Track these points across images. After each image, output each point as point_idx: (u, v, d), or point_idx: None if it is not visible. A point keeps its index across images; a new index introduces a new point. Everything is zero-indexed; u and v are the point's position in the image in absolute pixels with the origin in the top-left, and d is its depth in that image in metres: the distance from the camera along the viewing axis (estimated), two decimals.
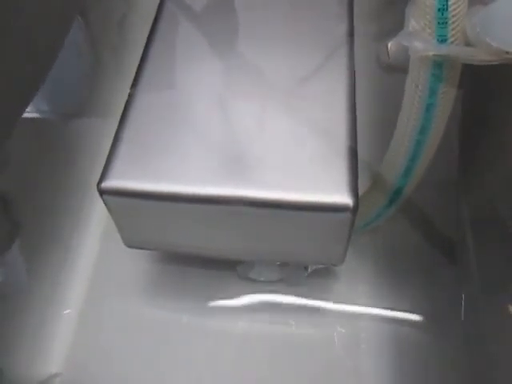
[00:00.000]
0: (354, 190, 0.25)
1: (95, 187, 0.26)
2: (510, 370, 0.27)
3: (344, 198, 0.25)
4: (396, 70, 0.29)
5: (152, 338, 0.35)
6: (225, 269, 0.36)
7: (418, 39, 0.24)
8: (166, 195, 0.26)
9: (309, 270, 0.35)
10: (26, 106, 0.37)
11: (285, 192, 0.25)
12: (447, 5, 0.22)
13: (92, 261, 0.38)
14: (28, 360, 0.34)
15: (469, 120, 0.35)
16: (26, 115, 0.37)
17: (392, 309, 0.35)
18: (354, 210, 0.25)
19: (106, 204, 0.27)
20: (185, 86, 0.30)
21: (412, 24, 0.24)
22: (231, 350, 0.34)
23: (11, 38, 0.34)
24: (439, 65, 0.24)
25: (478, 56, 0.23)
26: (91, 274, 0.38)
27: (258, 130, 0.28)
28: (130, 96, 0.29)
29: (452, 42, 0.23)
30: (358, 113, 0.28)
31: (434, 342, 0.34)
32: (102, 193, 0.26)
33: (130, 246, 0.31)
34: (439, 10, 0.23)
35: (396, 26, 0.26)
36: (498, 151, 0.31)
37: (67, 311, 0.36)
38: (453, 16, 0.23)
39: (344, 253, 0.29)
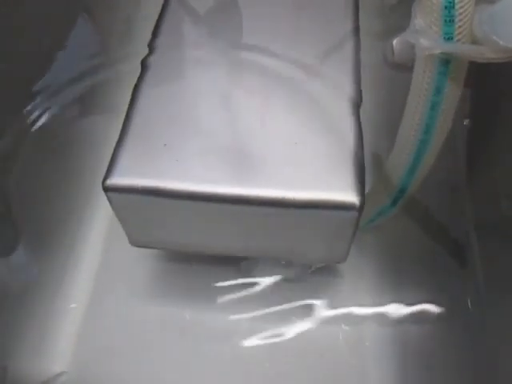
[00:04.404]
0: (361, 188, 0.25)
1: (100, 185, 0.26)
2: None
3: (350, 196, 0.25)
4: (401, 67, 0.29)
5: (156, 335, 0.35)
6: (228, 266, 0.36)
7: (424, 37, 0.24)
8: (170, 193, 0.26)
9: (312, 267, 0.35)
10: (27, 102, 0.37)
11: (290, 190, 0.25)
12: (454, 2, 0.22)
13: (97, 258, 0.38)
14: (33, 358, 0.34)
15: (476, 119, 0.35)
16: (30, 113, 0.37)
17: (396, 307, 0.35)
18: (360, 208, 0.25)
19: (110, 201, 0.27)
20: (189, 82, 0.30)
21: (418, 22, 0.24)
22: (234, 348, 0.34)
23: (11, 36, 0.34)
24: (445, 63, 0.24)
25: (485, 54, 0.23)
26: (96, 272, 0.38)
27: (263, 128, 0.28)
28: (135, 93, 0.29)
29: (458, 40, 0.23)
30: (363, 111, 0.28)
31: (438, 341, 0.34)
32: (107, 190, 0.26)
33: (134, 245, 0.31)
34: (446, 7, 0.22)
35: (402, 23, 0.26)
36: (505, 151, 0.31)
37: (73, 306, 0.36)
38: (459, 14, 0.22)
39: (348, 251, 0.29)
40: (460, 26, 0.23)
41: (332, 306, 0.35)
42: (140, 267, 0.37)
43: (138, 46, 0.33)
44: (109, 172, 0.26)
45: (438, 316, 0.34)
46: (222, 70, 0.30)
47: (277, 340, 0.34)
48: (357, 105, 0.28)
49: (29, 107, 0.38)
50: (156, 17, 0.33)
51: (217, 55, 0.31)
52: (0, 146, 0.35)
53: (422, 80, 0.25)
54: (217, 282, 0.36)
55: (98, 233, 0.39)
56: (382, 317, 0.35)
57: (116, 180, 0.26)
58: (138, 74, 0.30)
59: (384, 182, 0.32)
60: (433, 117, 0.26)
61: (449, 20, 0.23)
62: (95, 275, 0.37)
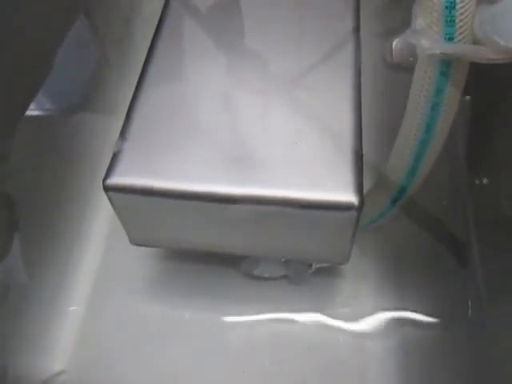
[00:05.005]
0: (359, 188, 0.25)
1: (101, 184, 0.26)
2: None
3: (349, 196, 0.25)
4: (402, 68, 0.29)
5: (155, 335, 0.35)
6: (229, 266, 0.36)
7: (425, 37, 0.24)
8: (171, 192, 0.26)
9: (313, 267, 0.35)
10: (28, 104, 0.37)
11: (289, 190, 0.25)
12: (455, 3, 0.22)
13: (97, 258, 0.38)
14: (33, 357, 0.34)
15: (476, 119, 0.35)
16: (31, 113, 0.37)
17: (397, 308, 0.35)
18: (359, 208, 0.25)
19: (110, 201, 0.27)
20: (190, 83, 0.30)
21: (419, 22, 0.24)
22: (234, 348, 0.34)
23: (11, 36, 0.34)
24: (446, 63, 0.24)
25: (486, 54, 0.23)
26: (96, 271, 0.38)
27: (263, 128, 0.28)
28: (136, 94, 0.29)
29: (459, 41, 0.23)
30: (363, 111, 0.28)
31: (439, 341, 0.33)
32: (107, 189, 0.26)
33: (135, 244, 0.31)
34: (446, 7, 0.22)
35: (402, 24, 0.26)
36: (505, 151, 0.31)
37: (72, 308, 0.36)
38: (460, 14, 0.22)
39: (349, 251, 0.29)
40: (461, 27, 0.23)
41: (333, 306, 0.35)
42: (140, 266, 0.37)
43: (139, 46, 0.33)
44: (109, 172, 0.26)
45: (438, 316, 0.34)
46: (223, 71, 0.30)
47: (277, 340, 0.34)
48: (357, 104, 0.28)
49: (29, 107, 0.38)
50: (157, 18, 0.33)
51: (217, 56, 0.31)
52: (0, 145, 0.35)
53: (423, 80, 0.25)
54: (217, 281, 0.36)
55: (98, 232, 0.39)
56: (382, 317, 0.35)
57: (116, 180, 0.26)
58: (138, 74, 0.30)
59: (384, 182, 0.32)
60: (433, 117, 0.26)
61: (450, 20, 0.23)
62: (96, 274, 0.37)
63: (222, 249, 0.31)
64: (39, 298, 0.36)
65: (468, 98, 0.33)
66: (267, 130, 0.28)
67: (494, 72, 0.29)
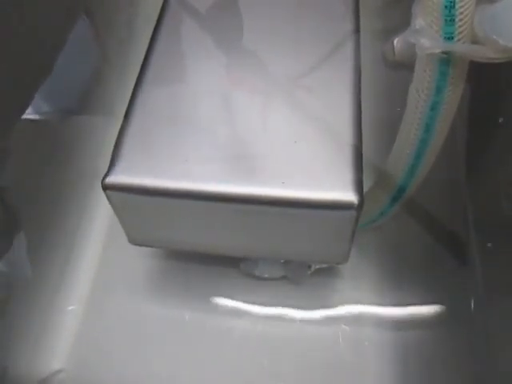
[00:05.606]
0: (359, 188, 0.25)
1: (100, 184, 0.26)
2: None
3: (349, 196, 0.25)
4: (401, 67, 0.29)
5: (155, 335, 0.35)
6: (228, 266, 0.36)
7: (424, 36, 0.24)
8: (169, 192, 0.26)
9: (312, 268, 0.35)
10: (28, 104, 0.37)
11: (289, 189, 0.25)
12: (454, 2, 0.22)
13: (96, 257, 0.38)
14: (32, 356, 0.34)
15: (475, 119, 0.35)
16: (30, 113, 0.37)
17: (396, 307, 0.35)
18: (359, 207, 0.25)
19: (109, 200, 0.27)
20: (189, 82, 0.30)
21: (419, 21, 0.24)
22: (233, 348, 0.34)
23: (12, 37, 0.34)
24: (446, 62, 0.24)
25: (486, 54, 0.23)
26: (95, 270, 0.38)
27: (263, 127, 0.28)
28: (135, 93, 0.29)
29: (459, 40, 0.23)
30: (363, 110, 0.28)
31: (438, 340, 0.33)
32: (106, 188, 0.26)
33: (134, 243, 0.31)
34: (446, 7, 0.22)
35: (402, 23, 0.26)
36: (505, 151, 0.31)
37: (71, 307, 0.36)
38: (460, 13, 0.22)
39: (348, 251, 0.29)
40: (460, 26, 0.23)
41: (332, 306, 0.35)
42: (139, 266, 0.37)
43: (139, 46, 0.33)
44: (108, 170, 0.26)
45: (438, 316, 0.34)
46: (222, 70, 0.30)
47: (276, 340, 0.34)
48: (356, 104, 0.28)
49: (29, 107, 0.38)
50: (156, 18, 0.33)
51: (217, 55, 0.31)
52: (0, 145, 0.35)
53: (423, 79, 0.25)
54: (216, 282, 0.36)
55: (97, 232, 0.39)
56: (381, 317, 0.35)
57: (115, 178, 0.26)
58: (137, 74, 0.30)
59: (384, 181, 0.32)
60: (433, 116, 0.26)
61: (449, 19, 0.23)
62: (95, 273, 0.37)
63: (221, 250, 0.31)
64: (38, 296, 0.36)
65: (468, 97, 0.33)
66: (267, 129, 0.28)
67: (494, 71, 0.29)
